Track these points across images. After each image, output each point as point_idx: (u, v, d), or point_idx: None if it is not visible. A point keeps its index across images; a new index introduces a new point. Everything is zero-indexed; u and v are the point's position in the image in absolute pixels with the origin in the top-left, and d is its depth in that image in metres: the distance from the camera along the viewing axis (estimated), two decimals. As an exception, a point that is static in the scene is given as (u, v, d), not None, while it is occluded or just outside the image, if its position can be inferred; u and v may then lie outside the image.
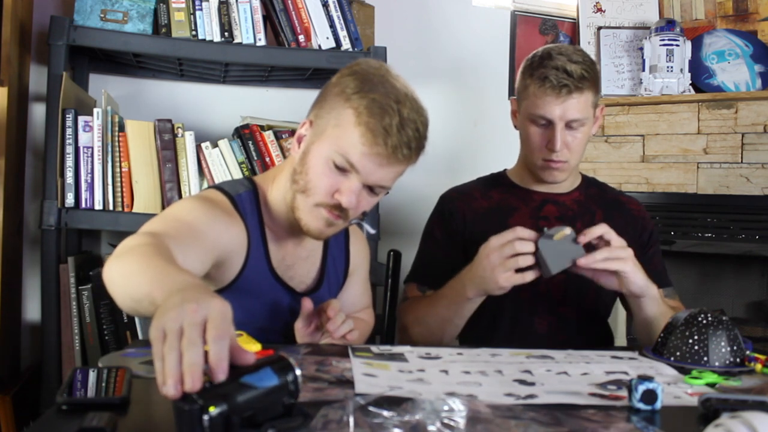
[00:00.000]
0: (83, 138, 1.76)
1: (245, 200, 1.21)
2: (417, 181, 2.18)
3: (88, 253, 2.06)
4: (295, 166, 1.17)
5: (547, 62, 1.39)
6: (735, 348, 1.07)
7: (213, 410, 0.60)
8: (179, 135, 1.84)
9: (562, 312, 1.46)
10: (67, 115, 1.74)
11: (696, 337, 1.07)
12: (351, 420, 0.68)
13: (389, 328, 1.75)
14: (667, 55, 2.32)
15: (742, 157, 2.19)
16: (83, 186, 1.75)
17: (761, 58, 2.35)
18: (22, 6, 1.83)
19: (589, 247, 1.22)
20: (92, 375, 0.83)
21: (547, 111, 1.39)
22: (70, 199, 1.75)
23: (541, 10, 2.58)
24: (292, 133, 1.94)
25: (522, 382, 0.93)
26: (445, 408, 0.72)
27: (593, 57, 2.47)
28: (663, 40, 2.33)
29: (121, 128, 1.81)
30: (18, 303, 1.97)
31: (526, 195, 1.53)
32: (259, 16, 1.90)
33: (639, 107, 2.34)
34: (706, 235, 2.26)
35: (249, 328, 1.02)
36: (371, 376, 0.92)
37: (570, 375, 0.98)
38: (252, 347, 0.94)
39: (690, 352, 1.07)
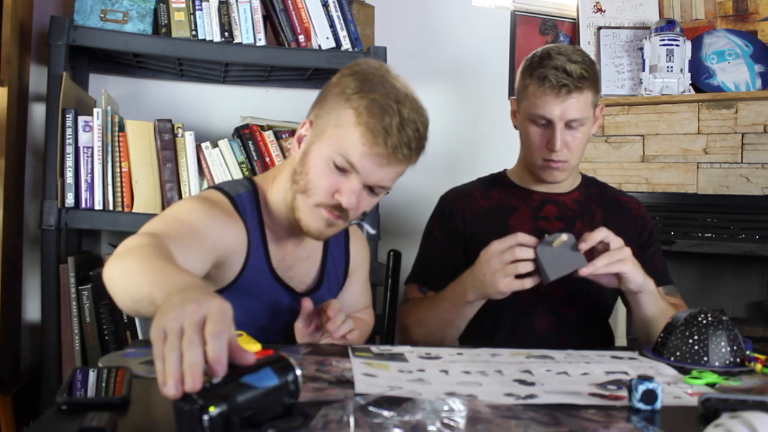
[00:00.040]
0: (83, 138, 1.76)
1: (245, 200, 1.21)
2: (417, 181, 2.18)
3: (88, 253, 2.06)
4: (295, 166, 1.17)
5: (547, 62, 1.39)
6: (735, 348, 1.07)
7: (213, 410, 0.60)
8: (179, 135, 1.84)
9: (562, 312, 1.46)
10: (67, 115, 1.74)
11: (696, 337, 1.07)
12: (351, 420, 0.68)
13: (389, 329, 1.75)
14: (667, 55, 2.32)
15: (742, 157, 2.19)
16: (83, 186, 1.75)
17: (761, 58, 2.35)
18: (22, 6, 1.83)
19: (589, 250, 1.22)
20: (92, 375, 0.83)
21: (546, 111, 1.39)
22: (70, 199, 1.75)
23: (541, 10, 2.57)
24: (292, 133, 1.94)
25: (522, 382, 0.93)
26: (445, 408, 0.72)
27: (593, 57, 2.47)
28: (663, 40, 2.33)
29: (121, 128, 1.81)
30: (18, 303, 1.97)
31: (526, 195, 1.53)
32: (259, 16, 1.90)
33: (639, 107, 2.34)
34: (706, 235, 2.26)
35: (249, 328, 1.02)
36: (371, 376, 0.92)
37: (570, 375, 0.98)
38: (252, 347, 0.94)
39: (690, 352, 1.07)
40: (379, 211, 1.94)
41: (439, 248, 1.52)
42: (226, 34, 1.87)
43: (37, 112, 1.99)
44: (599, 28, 2.54)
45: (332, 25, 1.94)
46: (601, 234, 1.22)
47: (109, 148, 1.78)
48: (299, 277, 1.27)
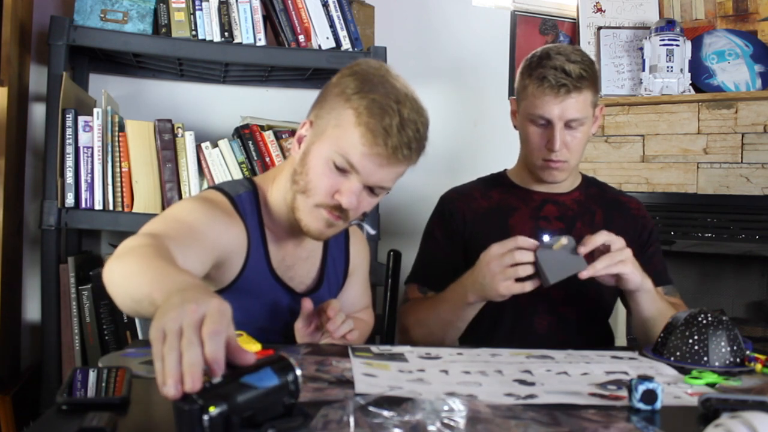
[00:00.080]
0: (83, 138, 1.76)
1: (245, 201, 1.21)
2: (417, 181, 2.17)
3: (88, 253, 2.06)
4: (295, 166, 1.17)
5: (546, 62, 1.39)
6: (735, 348, 1.07)
7: (213, 410, 0.60)
8: (179, 135, 1.84)
9: (562, 312, 1.46)
10: (67, 115, 1.74)
11: (696, 337, 1.07)
12: (351, 420, 0.68)
13: (389, 329, 1.75)
14: (667, 55, 2.32)
15: (742, 157, 2.19)
16: (83, 186, 1.75)
17: (761, 58, 2.35)
18: (22, 6, 1.83)
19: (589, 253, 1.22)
20: (92, 375, 0.83)
21: (546, 111, 1.40)
22: (70, 199, 1.75)
23: (541, 10, 2.57)
24: (292, 133, 1.94)
25: (522, 382, 0.93)
26: (445, 408, 0.72)
27: (593, 57, 2.47)
28: (663, 40, 2.33)
29: (121, 128, 1.81)
30: (18, 303, 1.97)
31: (526, 195, 1.53)
32: (259, 16, 1.90)
33: (639, 107, 2.34)
34: (706, 235, 2.26)
35: (249, 328, 1.02)
36: (371, 376, 0.92)
37: (570, 375, 0.98)
38: (252, 347, 0.94)
39: (690, 352, 1.07)
40: (379, 211, 1.94)
41: (439, 248, 1.52)
42: (226, 34, 1.87)
43: (37, 112, 1.99)
44: (599, 28, 2.54)
45: (332, 25, 1.94)
46: (602, 238, 1.22)
47: (109, 148, 1.78)
48: (299, 278, 1.27)
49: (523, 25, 2.56)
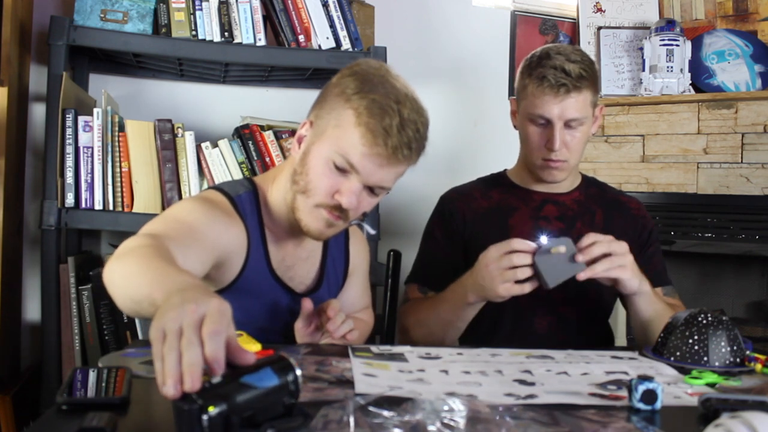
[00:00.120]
0: (83, 138, 1.76)
1: (245, 201, 1.21)
2: (417, 181, 2.17)
3: (88, 253, 2.06)
4: (295, 166, 1.17)
5: (546, 62, 1.39)
6: (735, 348, 1.07)
7: (212, 410, 0.60)
8: (179, 135, 1.84)
9: (562, 312, 1.46)
10: (67, 115, 1.74)
11: (696, 337, 1.07)
12: (351, 420, 0.68)
13: (389, 329, 1.75)
14: (667, 55, 2.32)
15: (742, 157, 2.19)
16: (83, 186, 1.75)
17: (761, 58, 2.35)
18: (22, 6, 1.83)
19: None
20: (92, 375, 0.83)
21: (545, 110, 1.40)
22: (70, 199, 1.75)
23: (541, 10, 2.57)
24: (292, 133, 1.94)
25: (522, 382, 0.93)
26: (445, 408, 0.72)
27: (593, 57, 2.47)
28: (663, 40, 2.33)
29: (121, 128, 1.81)
30: (18, 303, 1.97)
31: (526, 195, 1.53)
32: (259, 16, 1.90)
33: (639, 107, 2.34)
34: (706, 235, 2.26)
35: (249, 329, 1.02)
36: (371, 376, 0.92)
37: (570, 375, 0.98)
38: (252, 347, 0.94)
39: (690, 352, 1.07)
40: (379, 211, 1.94)
41: (439, 248, 1.52)
42: (226, 34, 1.87)
43: (37, 112, 1.99)
44: (599, 28, 2.54)
45: (332, 25, 1.94)
46: (601, 249, 1.21)
47: (109, 148, 1.78)
48: (299, 278, 1.27)
49: (523, 25, 2.56)
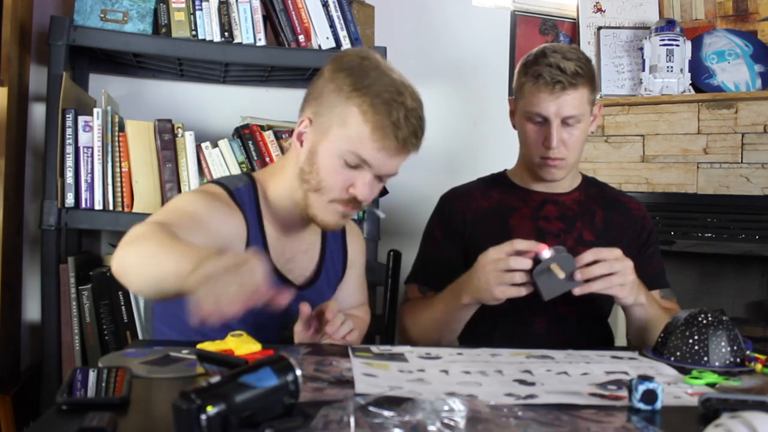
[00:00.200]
0: (83, 138, 1.76)
1: (244, 194, 1.23)
2: (417, 181, 2.18)
3: (88, 253, 2.06)
4: (302, 165, 1.19)
5: (542, 60, 1.40)
6: (735, 348, 1.07)
7: (210, 410, 0.60)
8: (179, 135, 1.84)
9: (562, 312, 1.45)
10: (67, 115, 1.74)
11: (696, 337, 1.07)
12: (351, 420, 0.68)
13: (389, 329, 1.75)
14: (667, 55, 2.32)
15: (742, 157, 2.19)
16: (83, 186, 1.75)
17: (761, 58, 2.35)
18: (22, 6, 1.83)
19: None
20: (92, 375, 0.83)
21: (542, 108, 1.40)
22: (70, 199, 1.74)
23: (541, 10, 2.57)
24: (292, 133, 1.93)
25: (522, 382, 0.93)
26: (445, 408, 0.72)
27: (593, 57, 2.48)
28: (663, 40, 2.33)
29: (121, 128, 1.81)
30: (18, 303, 1.96)
31: (526, 195, 1.53)
32: (259, 16, 1.90)
33: (639, 107, 2.34)
34: (706, 235, 2.26)
35: (248, 322, 1.04)
36: (371, 376, 0.92)
37: (570, 375, 0.98)
38: (252, 347, 0.94)
39: (690, 352, 1.07)
40: (379, 211, 1.94)
41: (439, 248, 1.52)
42: (226, 34, 1.87)
43: (37, 112, 1.99)
44: (599, 28, 2.54)
45: (332, 25, 1.94)
46: (602, 270, 1.19)
47: (109, 148, 1.78)
48: (299, 270, 1.28)
49: (523, 25, 2.56)
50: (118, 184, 1.78)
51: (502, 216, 1.50)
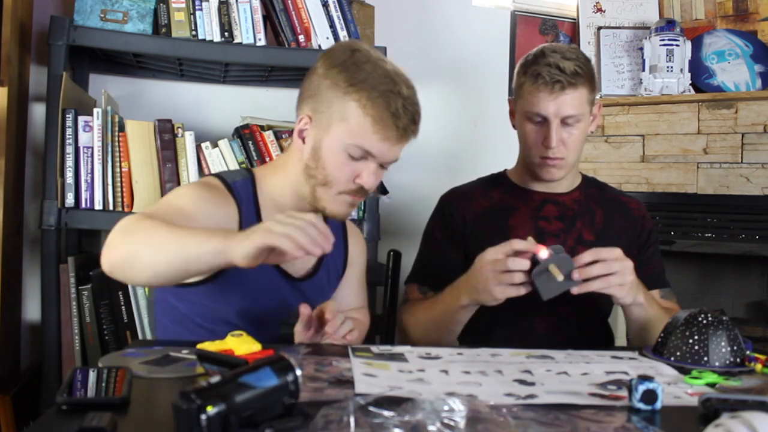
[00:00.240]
0: (83, 138, 1.76)
1: (240, 187, 1.25)
2: (417, 181, 2.18)
3: (88, 253, 2.06)
4: (306, 162, 1.22)
5: (541, 59, 1.41)
6: (735, 348, 1.07)
7: (210, 410, 0.60)
8: (179, 135, 1.84)
9: (562, 312, 1.45)
10: (67, 115, 1.74)
11: (696, 337, 1.07)
12: (351, 420, 0.68)
13: (389, 329, 1.75)
14: (667, 55, 2.32)
15: (742, 157, 2.19)
16: (83, 186, 1.75)
17: (761, 58, 2.35)
18: (22, 6, 1.83)
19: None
20: (92, 375, 0.83)
21: (541, 107, 1.40)
22: (70, 199, 1.74)
23: (541, 10, 2.58)
24: (292, 133, 1.93)
25: (522, 382, 0.93)
26: (445, 408, 0.72)
27: (593, 57, 2.48)
28: (663, 40, 2.33)
29: (121, 128, 1.81)
30: (18, 303, 1.96)
31: (526, 195, 1.53)
32: (259, 16, 1.90)
33: (639, 107, 2.34)
34: (706, 235, 2.26)
35: (246, 318, 1.04)
36: (371, 376, 0.92)
37: (570, 375, 0.98)
38: (252, 347, 0.95)
39: (690, 352, 1.07)
40: (379, 211, 1.94)
41: (439, 248, 1.52)
42: (226, 34, 1.87)
43: (37, 112, 1.99)
44: (599, 28, 2.54)
45: (332, 25, 1.94)
46: (601, 270, 1.19)
47: (109, 148, 1.78)
48: (299, 263, 1.29)
49: (523, 25, 2.56)
50: (118, 184, 1.78)
51: (502, 216, 1.50)
